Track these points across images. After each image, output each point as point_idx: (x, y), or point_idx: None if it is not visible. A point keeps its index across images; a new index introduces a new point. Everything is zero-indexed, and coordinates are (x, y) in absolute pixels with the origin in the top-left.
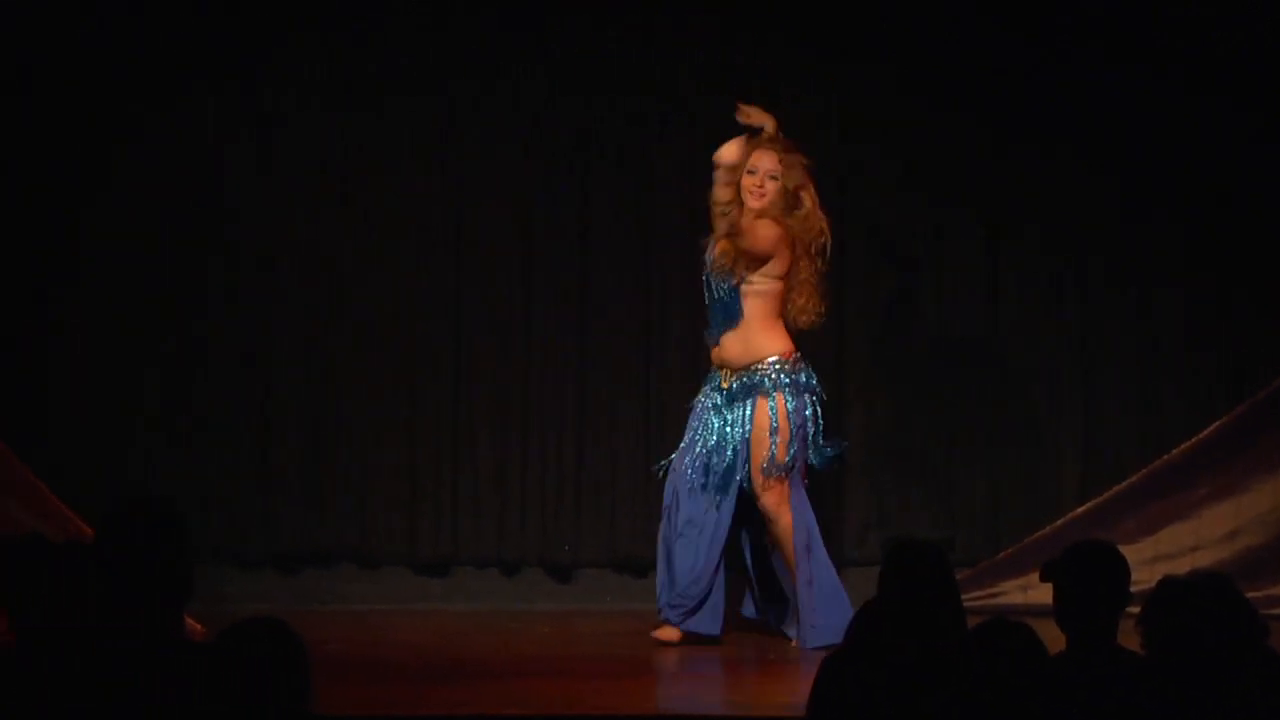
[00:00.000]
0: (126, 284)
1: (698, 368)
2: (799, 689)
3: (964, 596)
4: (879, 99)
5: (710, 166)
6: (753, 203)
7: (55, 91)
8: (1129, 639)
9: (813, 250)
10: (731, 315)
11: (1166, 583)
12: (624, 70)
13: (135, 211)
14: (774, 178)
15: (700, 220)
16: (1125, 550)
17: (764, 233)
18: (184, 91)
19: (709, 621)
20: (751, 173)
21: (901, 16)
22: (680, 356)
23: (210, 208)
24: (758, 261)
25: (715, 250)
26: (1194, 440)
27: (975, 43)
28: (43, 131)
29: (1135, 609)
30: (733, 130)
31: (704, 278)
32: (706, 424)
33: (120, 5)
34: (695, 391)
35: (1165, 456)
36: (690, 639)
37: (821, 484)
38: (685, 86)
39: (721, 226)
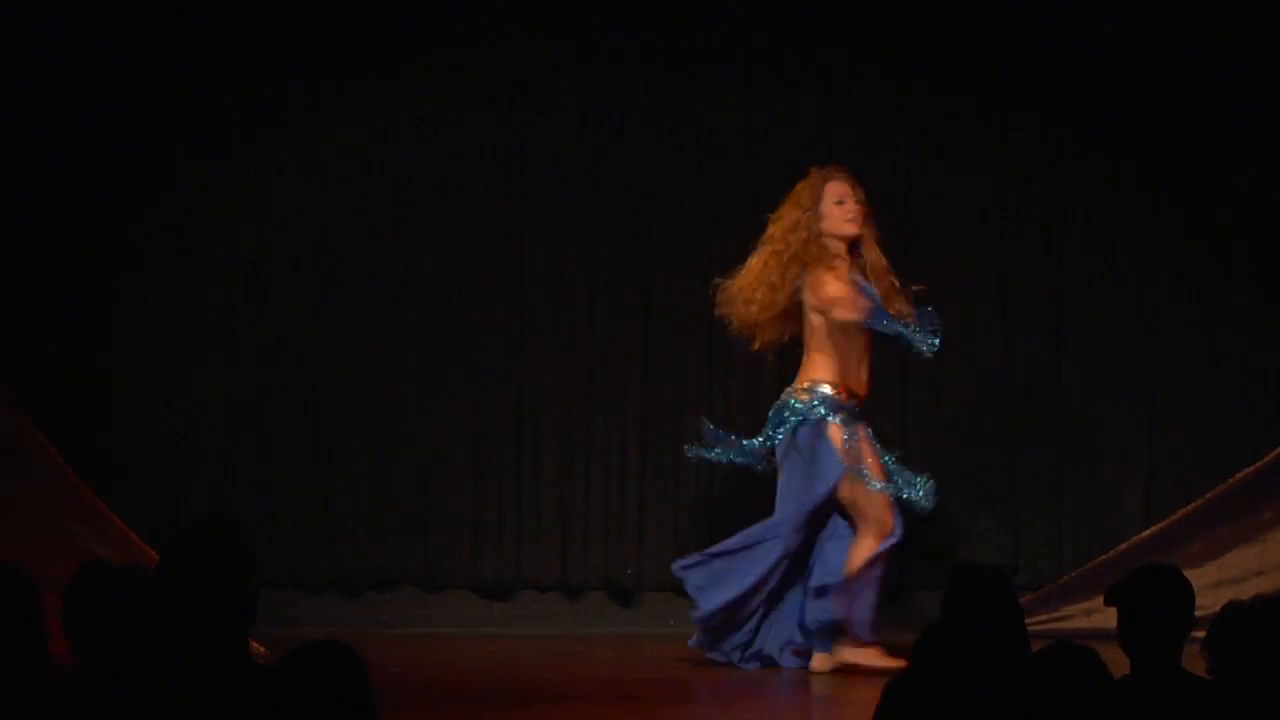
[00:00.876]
0: (190, 313)
1: (762, 393)
2: (862, 715)
3: (1028, 620)
4: (949, 139)
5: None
6: (854, 229)
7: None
8: (1194, 664)
9: None
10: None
11: (1231, 607)
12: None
13: (198, 242)
14: (859, 201)
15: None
16: (1189, 574)
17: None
18: (238, 118)
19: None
20: (841, 203)
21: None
22: (744, 382)
23: (268, 238)
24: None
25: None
26: (1258, 464)
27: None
28: (96, 166)
29: (1200, 633)
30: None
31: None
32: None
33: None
34: (759, 418)
35: (1229, 480)
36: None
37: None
38: (736, 105)
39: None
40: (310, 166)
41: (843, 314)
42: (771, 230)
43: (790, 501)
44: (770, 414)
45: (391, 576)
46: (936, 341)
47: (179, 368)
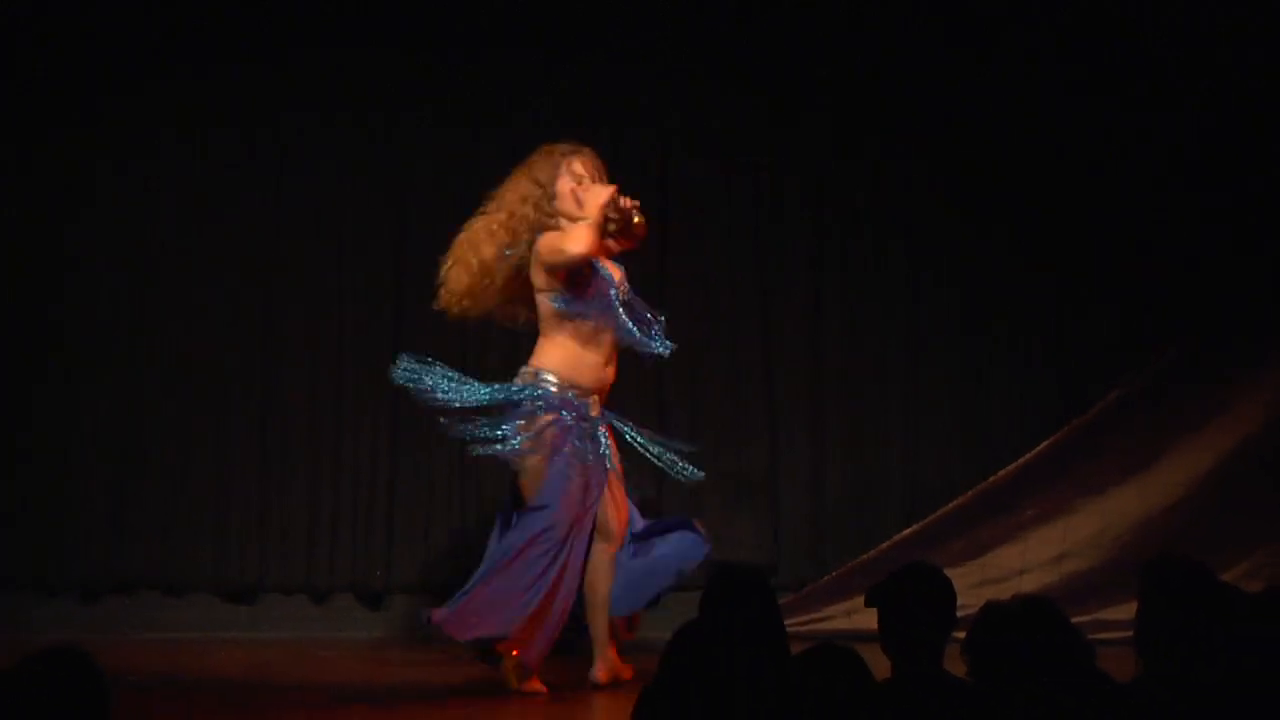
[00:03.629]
0: None
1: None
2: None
3: (788, 621)
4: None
5: None
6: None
7: None
8: (955, 664)
9: None
10: None
11: (990, 607)
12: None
13: None
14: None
15: None
16: (952, 574)
17: None
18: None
19: None
20: (581, 182)
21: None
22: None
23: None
24: None
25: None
26: (1021, 461)
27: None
28: None
29: (961, 634)
30: None
31: (624, 299)
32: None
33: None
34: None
35: (992, 477)
36: None
37: (642, 505)
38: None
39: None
40: (58, 180)
41: (566, 247)
42: (500, 198)
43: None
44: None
45: (132, 579)
46: (667, 347)
47: None
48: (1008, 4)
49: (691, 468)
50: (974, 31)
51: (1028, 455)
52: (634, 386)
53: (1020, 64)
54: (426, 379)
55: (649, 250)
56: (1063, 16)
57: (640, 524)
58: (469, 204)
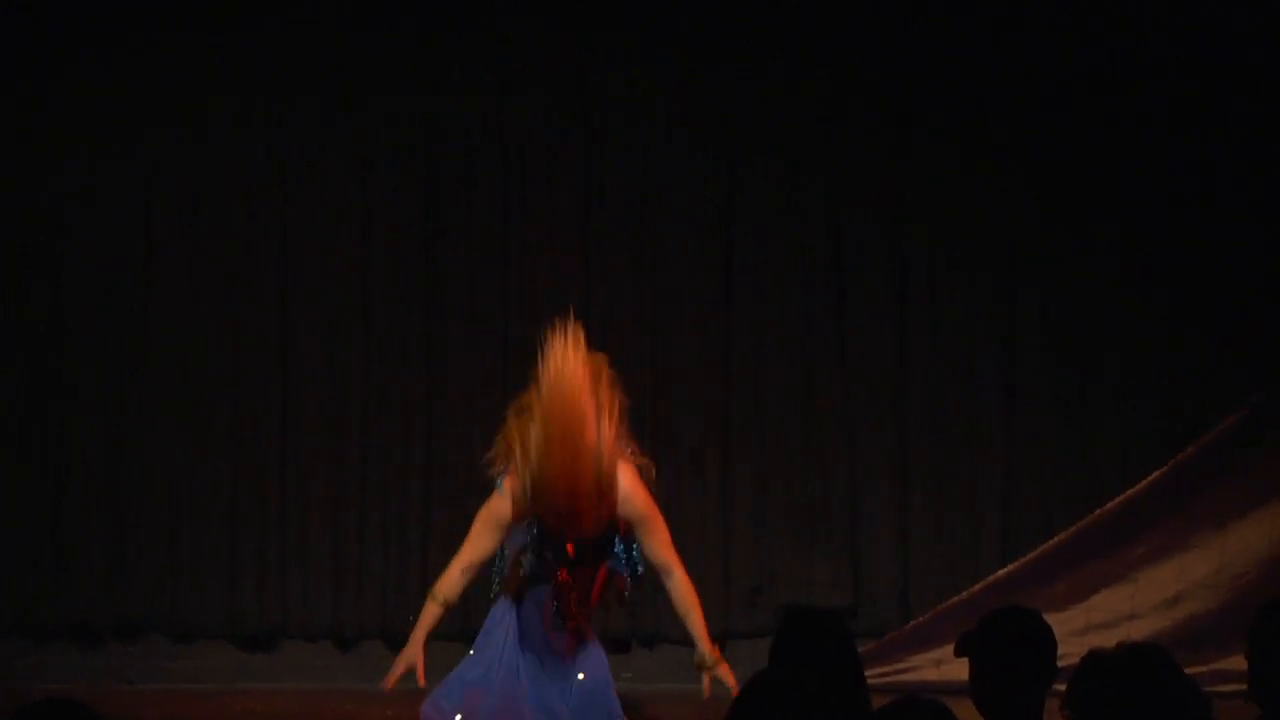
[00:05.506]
0: None
1: None
2: None
3: (867, 672)
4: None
5: None
6: None
7: None
8: None
9: None
10: None
11: (1094, 657)
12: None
13: None
14: None
15: None
16: (1053, 619)
17: None
18: None
19: None
20: None
21: None
22: None
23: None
24: None
25: None
26: (1129, 493)
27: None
28: None
29: (1062, 686)
30: None
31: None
32: None
33: None
34: None
35: (1098, 511)
36: None
37: (704, 539)
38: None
39: None
40: (59, 175)
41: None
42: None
43: None
44: None
45: (137, 623)
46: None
47: None
48: (1114, 23)
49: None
50: (1080, 51)
51: (1136, 487)
52: (699, 413)
53: (1131, 82)
54: None
55: (716, 272)
56: (1175, 36)
57: None
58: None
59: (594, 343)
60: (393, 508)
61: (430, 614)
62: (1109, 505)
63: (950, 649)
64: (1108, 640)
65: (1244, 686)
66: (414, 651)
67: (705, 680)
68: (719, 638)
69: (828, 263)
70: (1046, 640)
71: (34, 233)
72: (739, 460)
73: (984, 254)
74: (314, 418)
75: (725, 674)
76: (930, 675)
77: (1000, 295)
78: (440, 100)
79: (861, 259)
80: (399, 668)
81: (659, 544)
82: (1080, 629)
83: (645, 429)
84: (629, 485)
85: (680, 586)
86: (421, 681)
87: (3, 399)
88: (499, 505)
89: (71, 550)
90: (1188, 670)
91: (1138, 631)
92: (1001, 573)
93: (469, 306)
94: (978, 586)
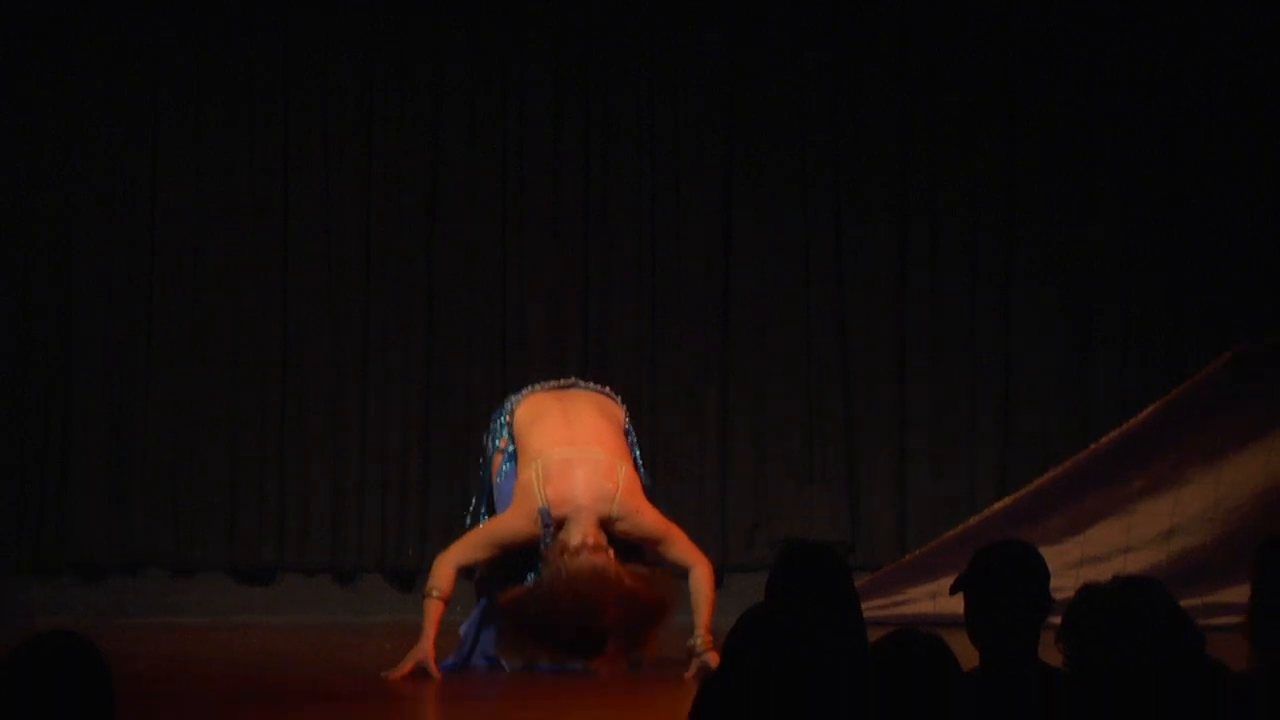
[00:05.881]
0: None
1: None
2: (677, 709)
3: (864, 605)
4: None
5: None
6: None
7: None
8: (1051, 653)
9: None
10: None
11: (1088, 590)
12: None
13: None
14: None
15: None
16: (1048, 552)
17: None
18: None
19: None
20: None
21: None
22: (543, 359)
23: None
24: None
25: None
26: (1125, 427)
27: None
28: None
29: (1058, 620)
30: None
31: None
32: None
33: None
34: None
35: (1094, 445)
36: None
37: (702, 476)
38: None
39: None
40: (57, 131)
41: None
42: None
43: None
44: None
45: (137, 558)
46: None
47: None
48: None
49: None
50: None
51: (1133, 421)
52: (693, 352)
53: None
54: None
55: (716, 212)
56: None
57: None
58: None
59: (592, 280)
60: (392, 442)
61: (434, 610)
62: (1104, 440)
63: (946, 582)
64: (1103, 574)
65: (1238, 619)
66: (425, 648)
67: (693, 666)
68: (716, 571)
69: (826, 195)
70: (1040, 572)
71: (42, 154)
72: (737, 397)
73: (984, 189)
74: (314, 351)
75: (713, 660)
76: (926, 608)
77: (1000, 231)
78: None
79: (860, 189)
80: (408, 663)
81: (679, 552)
82: (1075, 562)
83: (644, 364)
84: (636, 517)
85: (698, 580)
86: (436, 675)
87: (5, 334)
88: (509, 529)
89: (73, 486)
90: (1182, 603)
91: (1133, 565)
92: (997, 506)
93: (467, 238)
94: (974, 520)
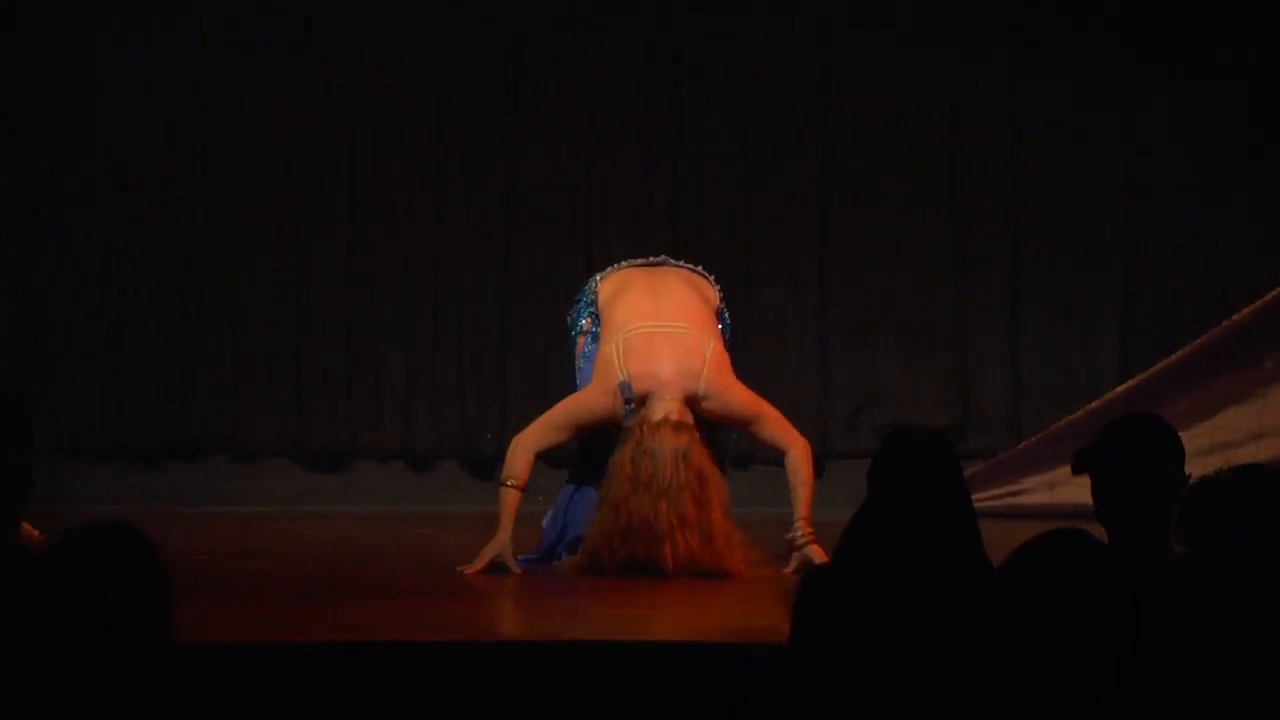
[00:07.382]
0: None
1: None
2: (776, 610)
3: (975, 496)
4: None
5: None
6: None
7: None
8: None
9: None
10: None
11: (1201, 483)
12: None
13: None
14: None
15: None
16: None
17: None
18: None
19: None
20: None
21: None
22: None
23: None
24: None
25: None
26: (1259, 303)
27: None
28: None
29: None
30: None
31: None
32: None
33: None
34: None
35: (1225, 323)
36: None
37: (801, 357)
38: None
39: None
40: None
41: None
42: None
43: None
44: None
45: (197, 443)
46: None
47: None
48: None
49: None
50: None
51: (1267, 297)
52: (796, 223)
53: None
54: None
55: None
56: None
57: None
58: None
59: (683, 154)
60: (469, 319)
61: (510, 500)
62: (1235, 317)
63: (1065, 470)
64: (1232, 460)
65: None
66: (503, 540)
67: (794, 560)
68: (816, 459)
69: (938, 70)
70: (1174, 446)
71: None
72: (839, 270)
73: (1110, 63)
74: (386, 223)
75: (816, 553)
76: (1042, 499)
77: (1126, 106)
78: None
79: (974, 68)
80: (485, 558)
81: (773, 431)
82: (1204, 449)
83: (739, 241)
84: (725, 395)
85: (795, 461)
86: (515, 569)
87: (59, 210)
88: (587, 406)
89: (129, 366)
90: None
91: (1264, 452)
92: (1120, 389)
93: (549, 103)
94: (1095, 403)
